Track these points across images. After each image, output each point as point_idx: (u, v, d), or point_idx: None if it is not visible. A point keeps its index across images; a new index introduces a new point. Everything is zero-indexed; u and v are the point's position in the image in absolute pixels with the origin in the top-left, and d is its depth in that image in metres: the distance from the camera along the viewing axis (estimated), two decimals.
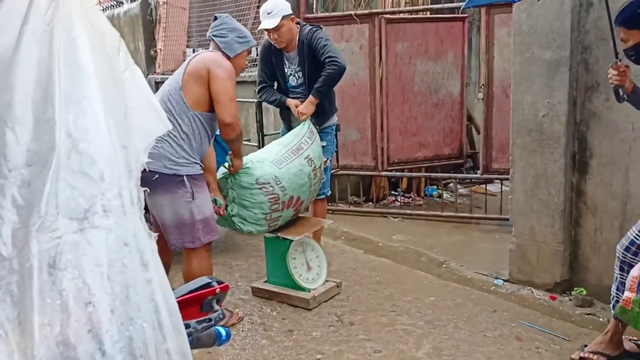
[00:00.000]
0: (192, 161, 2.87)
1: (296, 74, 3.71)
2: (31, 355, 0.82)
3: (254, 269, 4.01)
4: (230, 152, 3.12)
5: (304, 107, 3.60)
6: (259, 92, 3.90)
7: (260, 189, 3.15)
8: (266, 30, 3.55)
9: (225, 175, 3.19)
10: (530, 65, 3.36)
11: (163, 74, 6.67)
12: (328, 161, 3.78)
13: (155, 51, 6.87)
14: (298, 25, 3.63)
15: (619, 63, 2.53)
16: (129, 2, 7.43)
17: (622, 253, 2.57)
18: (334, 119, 3.87)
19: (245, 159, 3.21)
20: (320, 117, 3.70)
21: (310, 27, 3.63)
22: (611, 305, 2.69)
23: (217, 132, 3.13)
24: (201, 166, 2.94)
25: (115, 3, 7.83)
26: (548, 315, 3.21)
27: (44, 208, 0.87)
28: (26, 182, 0.88)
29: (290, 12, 3.55)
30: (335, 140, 4.03)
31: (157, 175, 2.72)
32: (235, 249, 4.37)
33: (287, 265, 3.38)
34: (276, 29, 3.50)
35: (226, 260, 4.19)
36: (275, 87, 3.85)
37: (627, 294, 2.40)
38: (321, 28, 3.66)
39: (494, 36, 4.76)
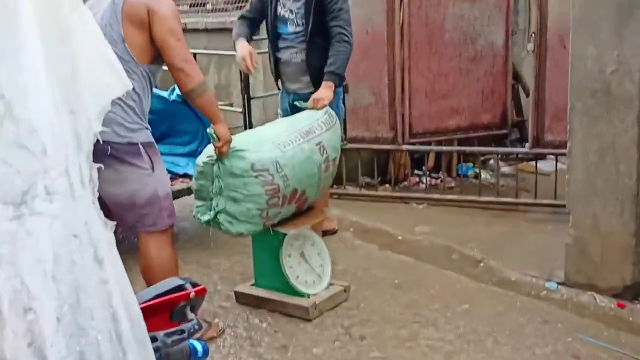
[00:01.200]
0: (144, 126, 2.95)
1: (296, 21, 3.83)
2: None
3: (237, 269, 4.05)
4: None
5: (322, 92, 3.75)
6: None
7: (256, 177, 3.15)
8: None
9: (210, 160, 3.19)
10: (595, 8, 3.35)
11: None
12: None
13: None
14: None
15: None
16: None
17: None
18: (341, 85, 3.98)
19: (237, 138, 3.23)
20: (320, 78, 3.82)
21: None
22: None
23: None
24: (150, 130, 3.02)
25: None
26: (615, 327, 3.24)
27: None
28: None
29: None
30: (342, 105, 4.07)
31: (109, 147, 2.71)
32: (213, 244, 4.39)
33: (281, 265, 3.41)
34: None
35: (202, 258, 4.23)
36: (251, 24, 4.02)
37: None
38: None
39: None
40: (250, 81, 4.78)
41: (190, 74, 2.87)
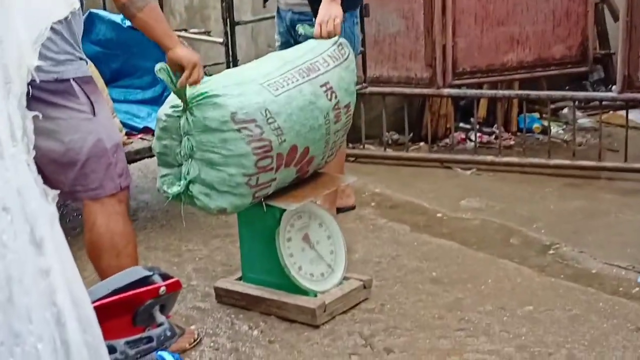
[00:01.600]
0: (77, 56, 2.97)
1: None
2: None
3: (218, 258, 4.09)
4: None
5: (327, 10, 3.68)
6: None
7: (239, 130, 3.13)
8: None
9: (176, 112, 3.17)
10: None
11: None
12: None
13: None
14: None
15: None
16: None
17: None
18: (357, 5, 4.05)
19: (212, 80, 3.24)
20: None
21: None
22: None
23: None
24: (88, 62, 3.05)
25: None
26: None
27: None
28: None
29: None
30: (359, 33, 4.11)
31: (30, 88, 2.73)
32: (186, 224, 4.41)
33: (278, 253, 3.43)
34: None
35: (171, 243, 4.27)
36: None
37: None
38: None
39: None
40: (234, 1, 4.74)
41: None
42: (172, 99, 3.20)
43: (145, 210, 4.62)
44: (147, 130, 4.31)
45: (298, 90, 3.33)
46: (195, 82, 3.10)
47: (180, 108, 3.15)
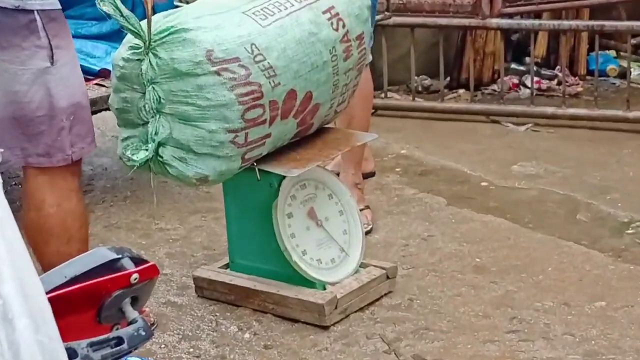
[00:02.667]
0: None
1: None
2: None
3: (198, 240, 4.13)
4: None
5: None
6: None
7: (217, 72, 3.13)
8: None
9: (136, 53, 3.16)
10: None
11: None
12: None
13: None
14: None
15: None
16: None
17: None
18: None
19: (181, 11, 3.29)
20: None
21: None
22: None
23: None
24: None
25: None
26: None
27: None
28: None
29: None
30: None
31: None
32: (156, 198, 4.42)
33: (276, 233, 3.45)
34: None
35: (137, 220, 4.30)
36: None
37: None
38: None
39: None
40: None
41: None
42: (130, 38, 3.15)
43: (103, 179, 4.62)
44: (106, 74, 4.30)
45: (294, 18, 3.32)
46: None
47: (141, 49, 3.15)
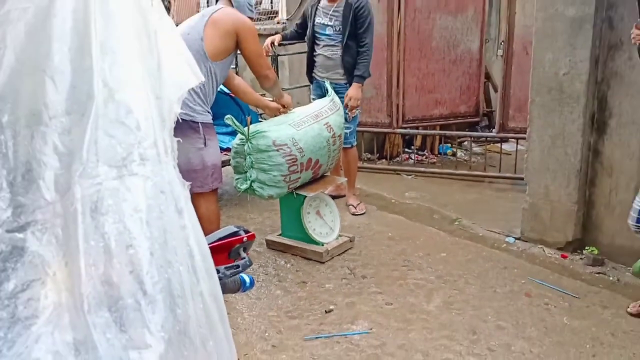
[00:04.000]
0: (206, 109, 2.96)
1: (335, 27, 4.05)
2: (79, 294, 0.87)
3: (268, 223, 4.09)
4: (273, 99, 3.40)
5: (353, 92, 4.00)
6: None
7: (277, 150, 3.15)
8: None
9: (242, 142, 3.19)
10: (553, 22, 3.30)
11: (177, 24, 6.63)
12: (357, 112, 4.12)
13: (170, 2, 6.80)
14: None
15: None
16: None
17: (635, 226, 2.64)
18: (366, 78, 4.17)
19: (261, 124, 3.31)
20: (351, 73, 4.04)
21: None
22: None
23: (228, 92, 3.36)
24: (212, 115, 3.03)
25: None
26: (558, 273, 3.27)
27: (85, 155, 0.90)
28: (66, 130, 0.92)
29: None
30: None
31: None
32: (249, 203, 4.43)
33: (301, 220, 3.45)
34: None
35: (241, 214, 4.27)
36: (296, 32, 4.36)
37: None
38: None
39: None
40: (279, 76, 4.75)
41: (271, 77, 3.15)
42: (239, 135, 3.21)
43: (226, 195, 4.63)
44: (228, 150, 4.31)
45: (311, 127, 3.35)
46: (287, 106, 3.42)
47: (244, 139, 3.17)
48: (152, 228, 0.93)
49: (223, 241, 1.24)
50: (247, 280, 1.36)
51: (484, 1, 5.24)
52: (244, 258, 1.25)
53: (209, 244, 1.21)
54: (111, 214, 0.90)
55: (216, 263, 1.19)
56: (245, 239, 1.26)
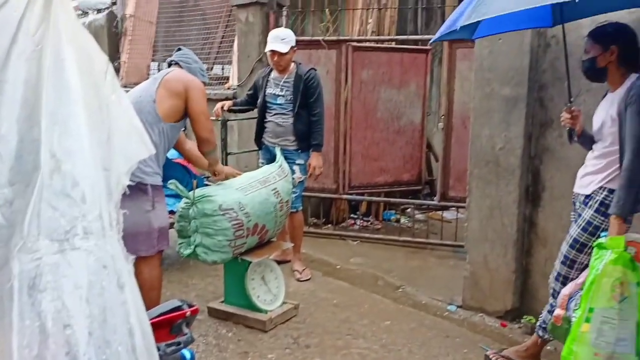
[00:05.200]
0: (157, 171, 2.95)
1: (286, 97, 4.15)
2: None
3: (210, 289, 3.98)
4: (209, 164, 3.32)
5: (315, 161, 4.15)
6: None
7: (223, 214, 3.12)
8: (273, 51, 4.04)
9: (187, 206, 3.16)
10: (489, 100, 3.52)
11: (126, 86, 6.60)
12: (303, 177, 4.16)
13: (119, 63, 6.79)
14: (294, 63, 4.20)
15: (572, 107, 2.71)
16: (95, 13, 7.36)
17: (554, 282, 2.76)
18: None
19: (208, 188, 3.30)
20: (305, 142, 4.16)
21: (310, 68, 4.19)
22: (537, 324, 2.97)
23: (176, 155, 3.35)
24: (162, 177, 3.00)
25: (81, 12, 7.73)
26: (499, 342, 3.31)
27: (27, 228, 0.87)
28: (8, 202, 0.89)
29: (295, 45, 4.13)
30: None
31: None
32: (191, 268, 4.33)
33: (245, 286, 3.38)
34: (283, 54, 4.02)
35: (182, 279, 4.14)
36: (247, 99, 4.43)
37: (557, 311, 2.59)
38: (316, 71, 4.22)
39: (456, 69, 4.94)
40: (227, 140, 4.78)
41: (211, 141, 3.13)
42: (184, 199, 3.19)
43: (168, 259, 4.49)
44: (172, 212, 4.22)
45: (259, 193, 3.35)
46: (226, 176, 3.41)
47: (189, 203, 3.13)
48: (92, 306, 0.89)
49: (165, 316, 1.20)
50: (188, 355, 1.30)
51: (425, 77, 5.53)
52: (186, 334, 1.21)
53: (150, 320, 1.17)
54: (50, 291, 0.86)
55: (157, 339, 1.14)
56: (188, 313, 1.23)
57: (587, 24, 2.81)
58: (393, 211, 5.98)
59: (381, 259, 4.70)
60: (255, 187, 3.37)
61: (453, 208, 5.34)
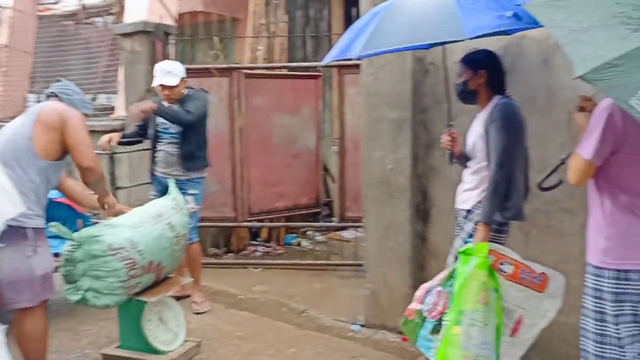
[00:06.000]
0: (38, 214, 2.76)
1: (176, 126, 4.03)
2: None
3: (104, 334, 3.73)
4: (97, 196, 3.11)
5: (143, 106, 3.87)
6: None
7: (114, 254, 2.93)
8: (162, 86, 3.94)
9: (73, 248, 2.94)
10: (377, 124, 3.65)
11: (1, 120, 6.10)
12: (197, 208, 4.04)
13: None
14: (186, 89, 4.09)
15: (451, 130, 2.88)
16: None
17: None
18: (205, 172, 4.17)
19: (95, 227, 3.10)
20: (189, 162, 4.02)
21: (198, 89, 4.11)
22: None
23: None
24: (44, 219, 2.82)
25: None
26: (400, 357, 3.40)
27: None
28: None
29: (185, 75, 4.03)
30: (204, 191, 4.21)
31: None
32: (82, 312, 4.01)
33: (142, 328, 3.20)
34: (172, 87, 3.92)
35: (72, 326, 3.86)
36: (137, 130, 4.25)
37: (413, 305, 2.71)
38: (207, 92, 4.16)
39: (345, 94, 5.10)
40: (116, 174, 4.55)
41: (96, 171, 2.91)
42: (69, 242, 2.95)
43: (55, 305, 4.11)
44: (57, 255, 3.92)
45: (152, 228, 3.20)
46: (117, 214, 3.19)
47: (76, 245, 2.92)
48: None
49: None
50: None
51: (317, 102, 5.65)
52: None
53: None
54: None
55: None
56: None
57: (461, 49, 3.01)
58: (294, 235, 5.99)
59: (284, 284, 4.68)
60: (148, 223, 3.21)
61: (352, 228, 5.45)
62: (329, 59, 2.89)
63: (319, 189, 5.79)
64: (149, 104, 3.87)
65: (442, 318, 2.64)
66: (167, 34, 5.29)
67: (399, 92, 3.56)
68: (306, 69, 5.70)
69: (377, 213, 3.69)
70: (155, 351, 3.23)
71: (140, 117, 3.90)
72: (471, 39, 2.27)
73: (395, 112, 3.59)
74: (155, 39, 5.16)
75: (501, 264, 2.59)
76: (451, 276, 2.68)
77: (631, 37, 1.76)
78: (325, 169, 6.32)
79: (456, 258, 2.77)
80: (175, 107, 3.95)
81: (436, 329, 2.68)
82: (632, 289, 2.09)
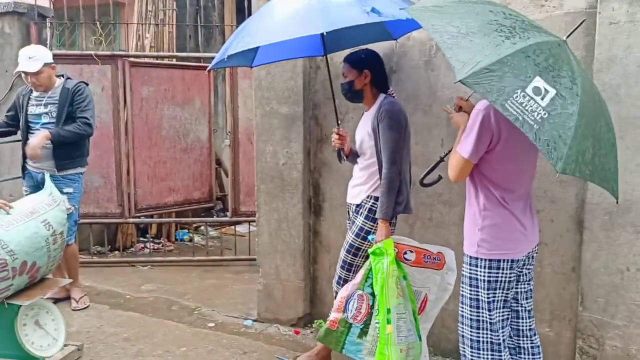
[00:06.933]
0: None
1: (50, 113, 3.78)
2: None
3: None
4: None
5: (36, 141, 3.66)
6: None
7: None
8: (24, 73, 3.71)
9: None
10: (270, 118, 3.67)
11: None
12: (73, 208, 3.70)
13: None
14: (62, 77, 3.88)
15: (340, 129, 2.97)
16: None
17: (336, 286, 3.00)
18: (82, 168, 3.93)
19: None
20: (63, 161, 3.77)
21: (79, 82, 3.88)
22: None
23: None
24: None
25: None
26: (293, 350, 3.46)
27: None
28: None
29: (52, 61, 3.80)
30: (82, 188, 3.95)
31: None
32: None
33: (16, 334, 2.97)
34: (36, 73, 3.69)
35: None
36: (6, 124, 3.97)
37: (334, 315, 2.82)
38: (87, 85, 3.91)
39: (238, 87, 5.06)
40: None
41: None
42: None
43: None
44: None
45: (25, 226, 2.97)
46: None
47: None
48: None
49: None
50: None
51: (209, 94, 5.55)
52: None
53: None
54: None
55: None
56: None
57: (348, 50, 3.11)
58: (186, 230, 5.86)
59: (175, 282, 4.57)
60: (20, 221, 2.98)
61: (245, 222, 5.44)
62: (212, 65, 2.89)
63: (212, 183, 5.71)
64: (43, 137, 3.64)
65: (367, 320, 2.74)
66: (42, 17, 4.92)
67: (291, 88, 3.61)
68: (198, 59, 5.58)
69: (270, 207, 3.72)
70: (32, 357, 3.01)
71: (40, 154, 3.68)
72: (328, 33, 2.38)
73: (288, 107, 3.64)
74: (28, 21, 4.78)
75: (404, 253, 2.74)
76: (367, 277, 2.78)
77: (504, 44, 1.93)
78: (219, 163, 6.24)
79: (367, 257, 2.86)
80: (70, 126, 3.73)
81: (364, 331, 2.80)
82: (503, 277, 2.30)
